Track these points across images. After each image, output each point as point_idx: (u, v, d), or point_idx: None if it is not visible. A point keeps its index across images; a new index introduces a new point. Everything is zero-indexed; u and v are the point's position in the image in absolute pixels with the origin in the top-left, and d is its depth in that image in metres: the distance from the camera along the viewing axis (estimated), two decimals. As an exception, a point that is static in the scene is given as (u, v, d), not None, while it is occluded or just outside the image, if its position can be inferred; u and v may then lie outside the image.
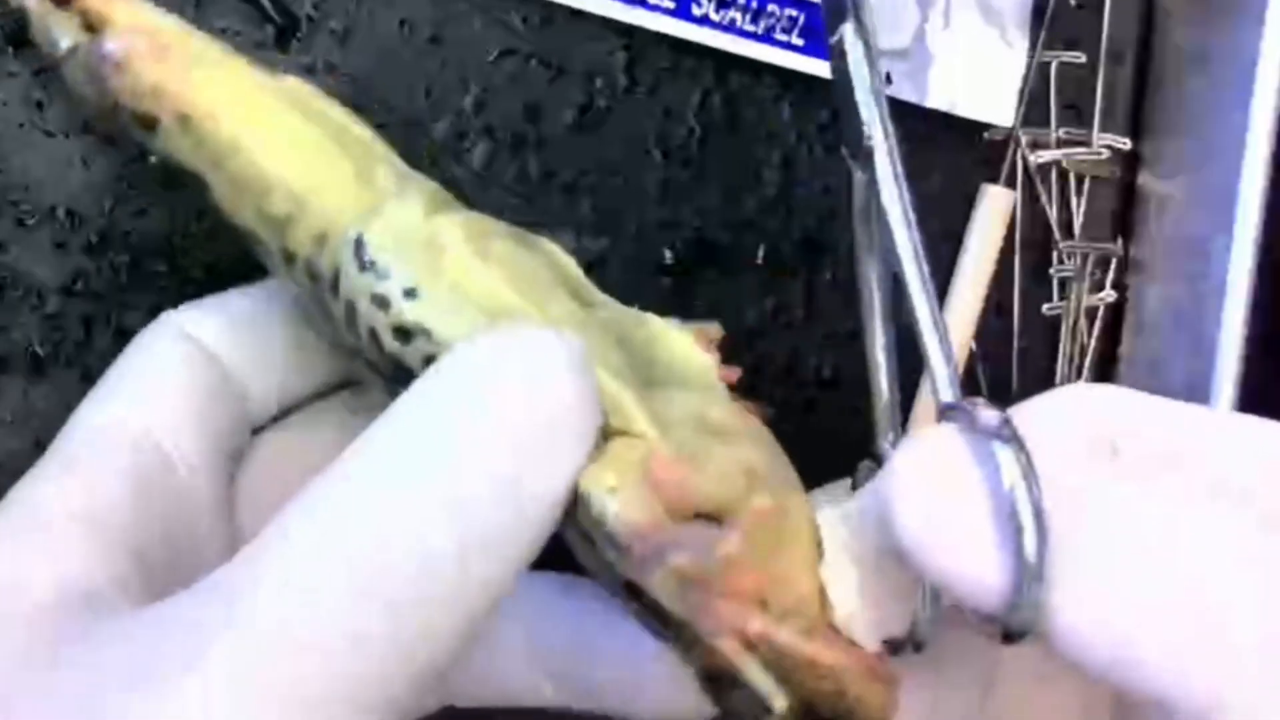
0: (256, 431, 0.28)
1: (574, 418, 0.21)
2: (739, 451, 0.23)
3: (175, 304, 0.30)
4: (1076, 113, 0.35)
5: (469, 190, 0.32)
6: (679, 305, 0.33)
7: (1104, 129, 0.35)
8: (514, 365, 0.21)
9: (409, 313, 0.23)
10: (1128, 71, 0.35)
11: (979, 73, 0.34)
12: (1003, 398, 0.35)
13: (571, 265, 0.26)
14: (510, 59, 0.32)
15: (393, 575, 0.20)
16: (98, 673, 0.20)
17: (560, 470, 0.21)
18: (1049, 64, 0.35)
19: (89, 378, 0.30)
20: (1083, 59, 0.35)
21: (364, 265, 0.24)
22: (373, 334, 0.23)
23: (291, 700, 0.19)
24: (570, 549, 0.24)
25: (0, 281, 0.30)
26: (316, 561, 0.20)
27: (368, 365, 0.24)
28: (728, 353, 0.30)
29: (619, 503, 0.21)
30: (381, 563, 0.20)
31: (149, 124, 0.24)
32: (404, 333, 0.23)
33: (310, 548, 0.20)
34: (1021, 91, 0.34)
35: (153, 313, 0.30)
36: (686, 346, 0.25)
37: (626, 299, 0.33)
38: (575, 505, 0.22)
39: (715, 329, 0.26)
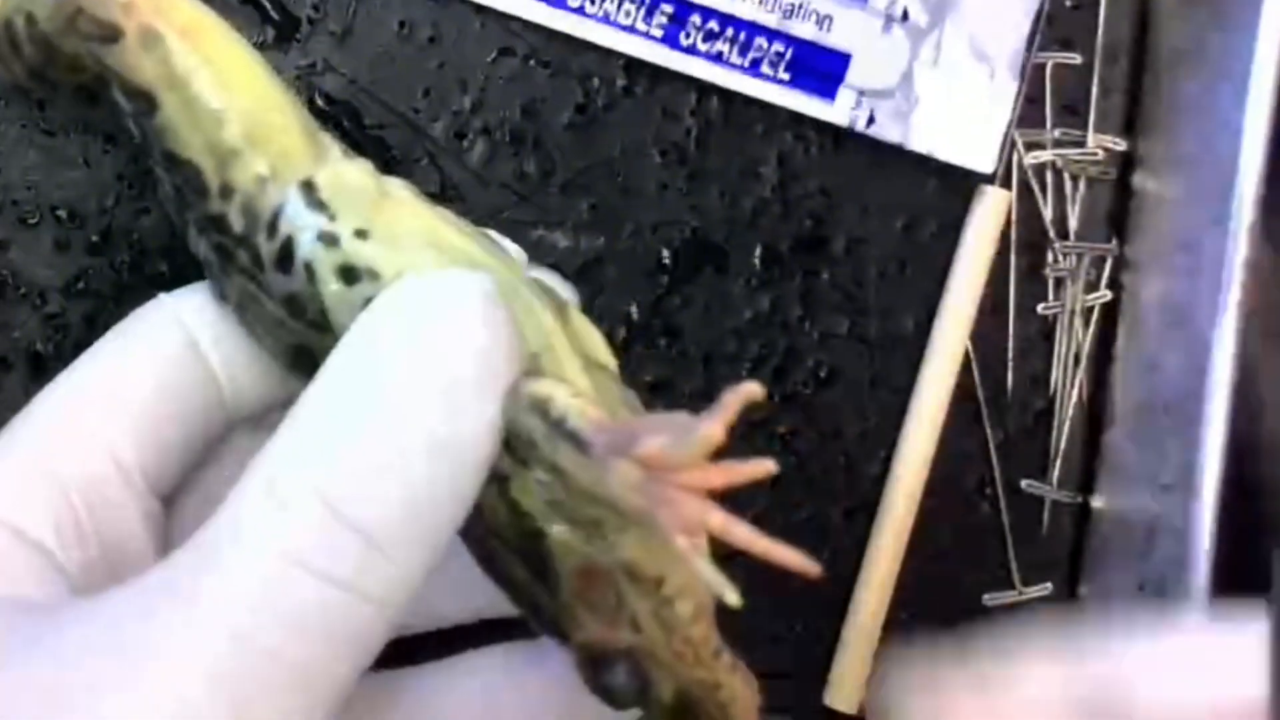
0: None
1: (499, 352, 0.22)
2: None
3: (175, 303, 0.31)
4: (1072, 113, 0.35)
5: (467, 189, 0.32)
6: (676, 304, 0.33)
7: (1099, 129, 0.35)
8: (432, 312, 0.22)
9: (358, 253, 0.24)
10: (1123, 72, 0.36)
11: (964, 117, 0.34)
12: (998, 396, 0.35)
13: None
14: (508, 59, 0.32)
15: (348, 536, 0.21)
16: (57, 662, 0.20)
17: (491, 406, 0.22)
18: (1044, 65, 0.35)
19: (90, 376, 0.30)
20: (1078, 59, 0.35)
21: (313, 204, 0.24)
22: (309, 270, 0.24)
23: (268, 662, 0.20)
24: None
25: (1, 280, 0.30)
26: (279, 524, 0.21)
27: (285, 306, 0.24)
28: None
29: (581, 401, 0.22)
30: (336, 524, 0.21)
31: (111, 36, 0.24)
32: (349, 272, 0.23)
33: (270, 513, 0.21)
34: (1017, 97, 0.34)
35: (153, 311, 0.31)
36: (600, 340, 0.26)
37: (624, 298, 0.33)
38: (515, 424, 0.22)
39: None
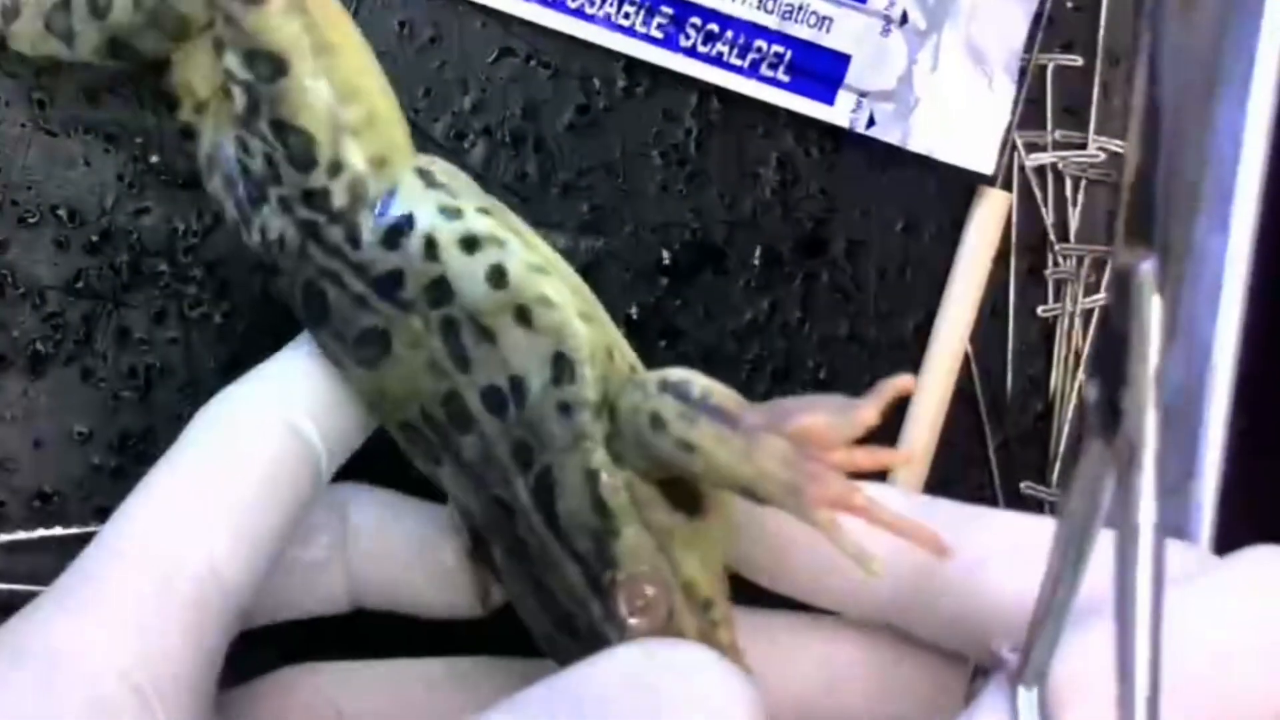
0: None
1: None
2: None
3: (175, 303, 0.31)
4: (1073, 115, 0.35)
5: (467, 190, 0.32)
6: (676, 305, 0.33)
7: (1100, 131, 0.35)
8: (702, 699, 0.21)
9: (483, 224, 0.25)
10: (1124, 74, 0.36)
11: (962, 119, 0.34)
12: (997, 398, 0.35)
13: None
14: (509, 59, 0.32)
15: None
16: None
17: None
18: (1045, 67, 0.35)
19: (89, 376, 0.30)
20: (1079, 61, 0.35)
21: (432, 184, 0.25)
22: (428, 243, 0.25)
23: None
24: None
25: (1, 279, 0.30)
26: None
27: (375, 284, 0.25)
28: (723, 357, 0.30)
29: (714, 383, 0.24)
30: None
31: None
32: (472, 241, 0.25)
33: None
34: (1016, 100, 0.34)
35: (154, 314, 0.31)
36: None
37: (624, 299, 0.33)
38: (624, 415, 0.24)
39: None
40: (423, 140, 0.31)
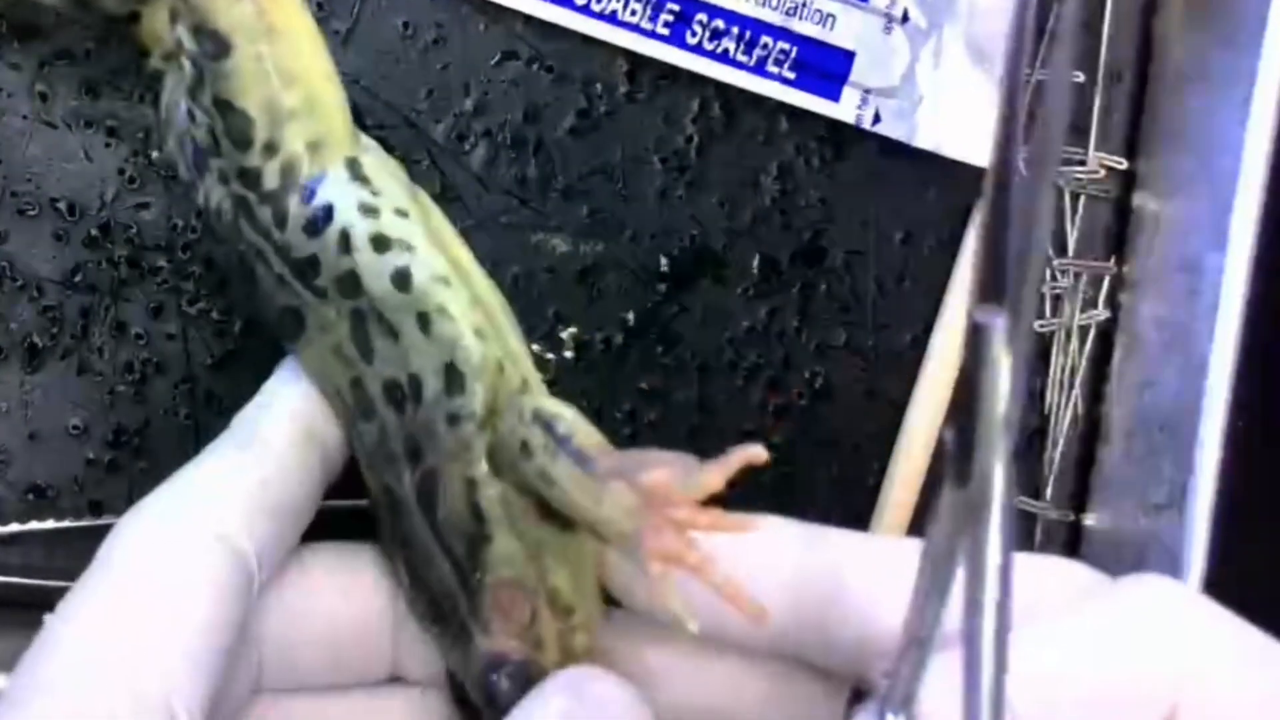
0: None
1: None
2: None
3: (173, 298, 0.31)
4: (1074, 131, 0.35)
5: (467, 192, 0.32)
6: (673, 312, 0.33)
7: (1100, 148, 0.35)
8: None
9: (396, 227, 0.26)
10: (1125, 91, 0.36)
11: (967, 115, 0.34)
12: (993, 412, 0.35)
13: None
14: (512, 63, 0.32)
15: None
16: None
17: None
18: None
19: (85, 370, 0.30)
20: (1081, 78, 0.35)
21: (357, 178, 0.26)
22: (343, 237, 0.25)
23: None
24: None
25: (-1, 272, 0.30)
26: None
27: (295, 267, 0.26)
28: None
29: (586, 425, 0.25)
30: None
31: None
32: (383, 241, 0.26)
33: None
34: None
35: (152, 309, 0.31)
36: None
37: (622, 305, 0.33)
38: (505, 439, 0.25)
39: None
40: (423, 141, 0.32)
